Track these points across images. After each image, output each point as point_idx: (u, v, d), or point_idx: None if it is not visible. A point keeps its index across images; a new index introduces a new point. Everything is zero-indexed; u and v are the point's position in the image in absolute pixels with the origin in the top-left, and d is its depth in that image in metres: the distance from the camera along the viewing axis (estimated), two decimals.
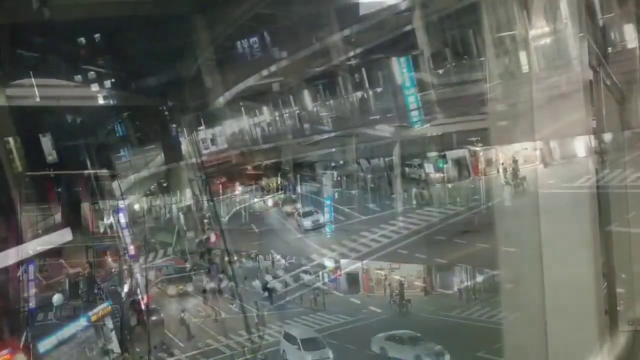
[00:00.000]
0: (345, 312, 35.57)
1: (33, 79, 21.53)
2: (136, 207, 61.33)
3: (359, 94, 31.49)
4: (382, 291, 39.06)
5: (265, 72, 34.93)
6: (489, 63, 14.41)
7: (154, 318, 27.21)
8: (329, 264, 39.63)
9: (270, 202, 47.37)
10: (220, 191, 63.24)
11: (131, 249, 28.28)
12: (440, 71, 27.48)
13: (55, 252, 20.40)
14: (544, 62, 13.48)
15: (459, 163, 40.34)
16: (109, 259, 32.03)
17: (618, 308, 11.82)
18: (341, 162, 62.42)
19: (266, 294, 34.12)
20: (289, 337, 26.80)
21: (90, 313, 21.03)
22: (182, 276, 30.63)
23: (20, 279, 20.66)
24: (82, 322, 20.54)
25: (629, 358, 11.34)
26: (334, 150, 39.97)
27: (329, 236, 37.38)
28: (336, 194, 47.38)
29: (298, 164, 59.95)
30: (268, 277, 37.58)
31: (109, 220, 26.83)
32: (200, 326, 27.27)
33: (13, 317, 18.42)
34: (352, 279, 42.21)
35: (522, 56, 13.44)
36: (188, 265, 31.41)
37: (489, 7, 13.91)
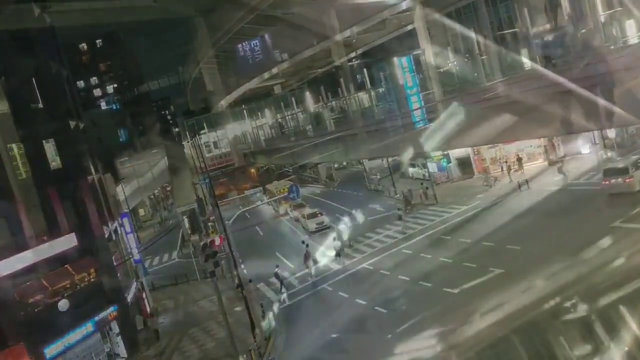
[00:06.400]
0: (458, 202, 32.86)
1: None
2: (141, 211, 61.56)
3: None
4: (499, 169, 37.25)
5: None
6: None
7: (161, 322, 27.22)
8: (435, 153, 38.09)
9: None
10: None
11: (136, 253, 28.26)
12: None
13: (60, 259, 20.33)
14: None
15: (462, 162, 40.08)
16: None
17: None
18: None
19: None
20: (304, 216, 38.77)
21: (96, 318, 20.97)
22: None
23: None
24: (88, 326, 20.49)
25: None
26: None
27: None
28: None
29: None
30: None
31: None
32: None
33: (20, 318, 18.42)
34: (464, 164, 40.17)
35: None
36: None
37: None
